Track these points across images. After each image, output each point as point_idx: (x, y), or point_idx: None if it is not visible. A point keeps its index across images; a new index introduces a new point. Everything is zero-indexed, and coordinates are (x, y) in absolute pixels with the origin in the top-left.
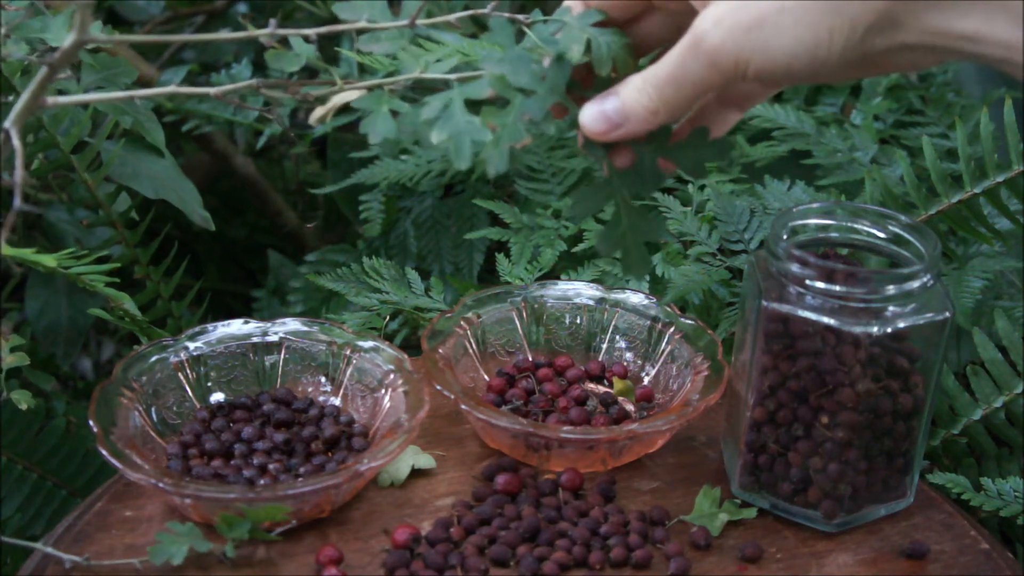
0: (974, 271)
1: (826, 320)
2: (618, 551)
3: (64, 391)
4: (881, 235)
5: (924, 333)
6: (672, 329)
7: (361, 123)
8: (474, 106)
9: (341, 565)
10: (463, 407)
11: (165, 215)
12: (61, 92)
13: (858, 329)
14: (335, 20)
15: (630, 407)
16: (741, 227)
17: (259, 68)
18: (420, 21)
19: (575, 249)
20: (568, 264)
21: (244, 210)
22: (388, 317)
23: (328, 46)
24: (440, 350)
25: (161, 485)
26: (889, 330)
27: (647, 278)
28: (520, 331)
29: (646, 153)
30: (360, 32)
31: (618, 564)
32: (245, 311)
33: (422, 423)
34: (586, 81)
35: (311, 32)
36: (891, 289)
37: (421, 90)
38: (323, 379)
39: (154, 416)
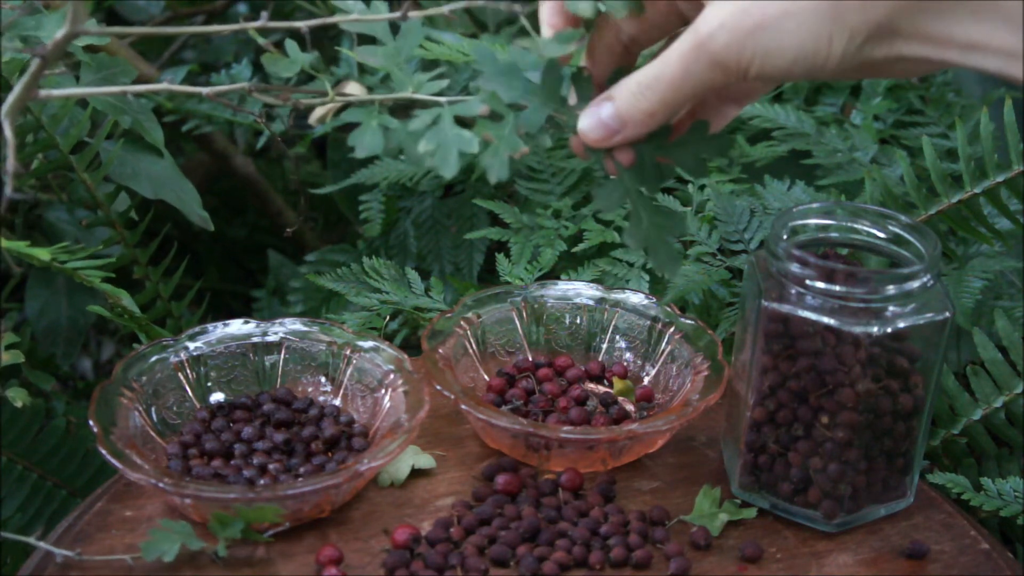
0: (974, 271)
1: (826, 320)
2: (618, 551)
3: (64, 391)
4: (881, 235)
5: (924, 333)
6: (672, 329)
7: (350, 136)
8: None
9: (341, 565)
10: (463, 407)
11: (164, 215)
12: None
13: (858, 329)
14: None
15: (630, 407)
16: (741, 227)
17: (259, 68)
18: (413, 13)
19: (575, 249)
20: (568, 264)
21: (244, 210)
22: (388, 317)
23: (329, 46)
24: (440, 350)
25: (161, 485)
26: (889, 330)
27: (647, 277)
28: (520, 331)
29: (646, 152)
30: (358, 35)
31: (618, 564)
32: (245, 311)
33: (422, 423)
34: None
35: (302, 25)
36: (891, 289)
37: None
38: (323, 379)
39: (154, 416)
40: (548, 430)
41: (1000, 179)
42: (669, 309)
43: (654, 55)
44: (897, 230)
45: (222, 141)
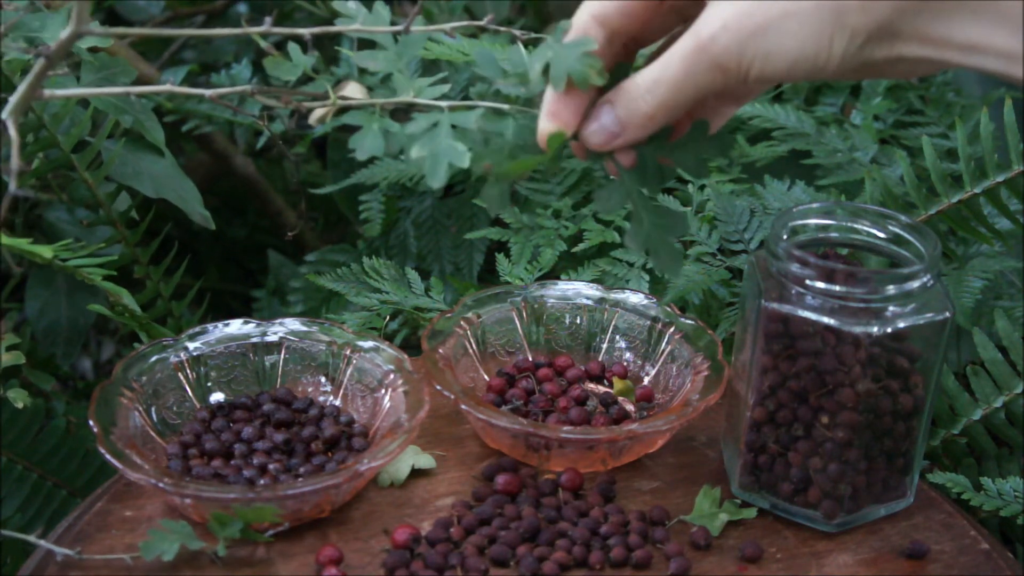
0: (974, 271)
1: (826, 320)
2: (618, 551)
3: (64, 391)
4: (881, 235)
5: (924, 333)
6: (672, 329)
7: (350, 138)
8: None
9: (341, 565)
10: (463, 407)
11: (165, 215)
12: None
13: (858, 329)
14: (335, 20)
15: (630, 407)
16: (741, 227)
17: (259, 69)
18: (415, 28)
19: (575, 249)
20: (568, 264)
21: (244, 210)
22: (388, 317)
23: (329, 45)
24: (440, 350)
25: (161, 485)
26: (889, 330)
27: (647, 277)
28: (520, 331)
29: (647, 153)
30: (360, 40)
31: (618, 564)
32: (245, 311)
33: (422, 423)
34: None
35: (306, 32)
36: (891, 289)
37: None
38: (323, 379)
39: (154, 416)
40: (548, 430)
41: (1000, 179)
42: (669, 309)
43: (653, 54)
44: (897, 230)
45: (222, 141)
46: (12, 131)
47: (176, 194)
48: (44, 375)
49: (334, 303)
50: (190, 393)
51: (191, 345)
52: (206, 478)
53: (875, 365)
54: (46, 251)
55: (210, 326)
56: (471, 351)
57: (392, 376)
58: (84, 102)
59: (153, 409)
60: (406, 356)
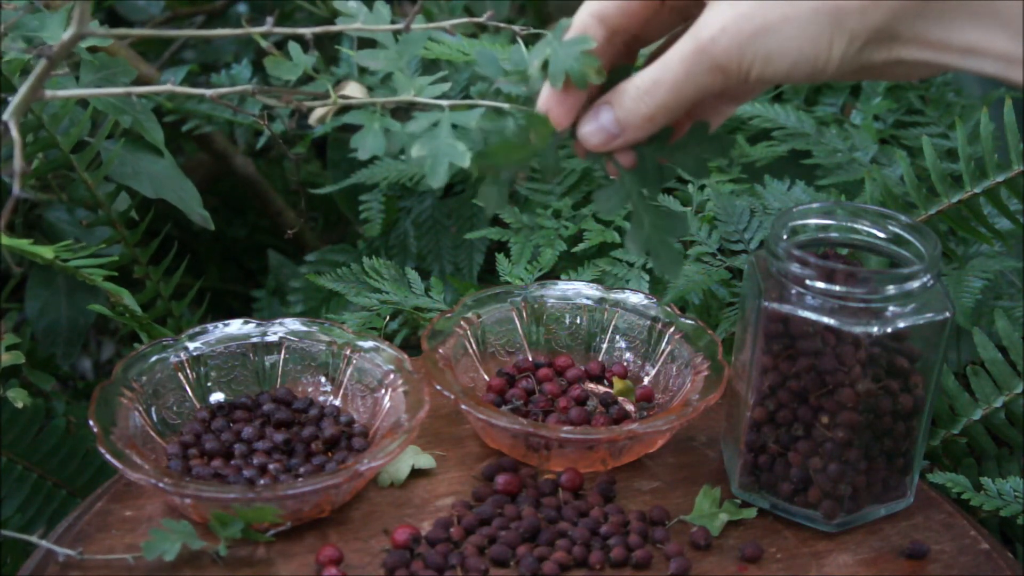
0: (974, 271)
1: (826, 320)
2: (618, 551)
3: (64, 391)
4: (881, 235)
5: (924, 333)
6: (672, 329)
7: (352, 138)
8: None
9: (341, 565)
10: (463, 407)
11: (165, 215)
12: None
13: (858, 329)
14: (335, 19)
15: (630, 407)
16: (741, 227)
17: (260, 68)
18: (416, 26)
19: (575, 249)
20: (568, 264)
21: (244, 210)
22: (388, 317)
23: (329, 45)
24: (440, 350)
25: (161, 485)
26: (889, 330)
27: (647, 277)
28: (520, 331)
29: (647, 154)
30: (360, 40)
31: (618, 564)
32: (245, 311)
33: (422, 423)
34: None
35: (307, 31)
36: (891, 289)
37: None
38: (323, 379)
39: (154, 416)
40: (548, 430)
41: (1000, 179)
42: (669, 309)
43: (653, 53)
44: (897, 230)
45: (222, 141)
46: (14, 132)
47: (175, 194)
48: (44, 375)
49: (334, 303)
50: (190, 393)
51: (191, 345)
52: (206, 478)
53: (875, 365)
54: (47, 252)
55: (210, 326)
56: (471, 351)
57: (392, 376)
58: (83, 102)
59: (153, 409)
60: (406, 356)
